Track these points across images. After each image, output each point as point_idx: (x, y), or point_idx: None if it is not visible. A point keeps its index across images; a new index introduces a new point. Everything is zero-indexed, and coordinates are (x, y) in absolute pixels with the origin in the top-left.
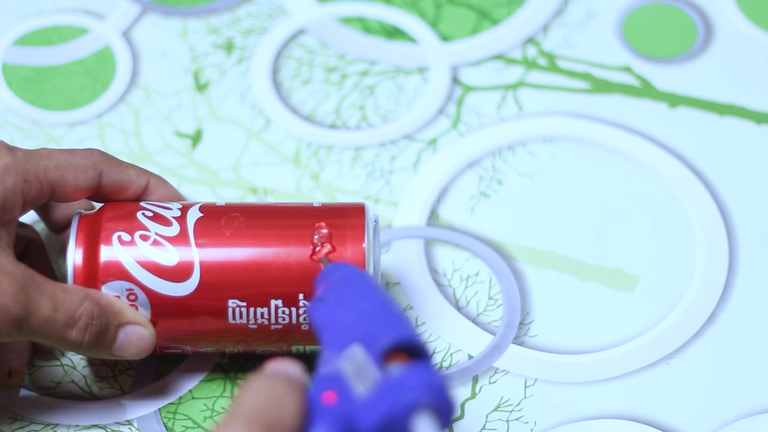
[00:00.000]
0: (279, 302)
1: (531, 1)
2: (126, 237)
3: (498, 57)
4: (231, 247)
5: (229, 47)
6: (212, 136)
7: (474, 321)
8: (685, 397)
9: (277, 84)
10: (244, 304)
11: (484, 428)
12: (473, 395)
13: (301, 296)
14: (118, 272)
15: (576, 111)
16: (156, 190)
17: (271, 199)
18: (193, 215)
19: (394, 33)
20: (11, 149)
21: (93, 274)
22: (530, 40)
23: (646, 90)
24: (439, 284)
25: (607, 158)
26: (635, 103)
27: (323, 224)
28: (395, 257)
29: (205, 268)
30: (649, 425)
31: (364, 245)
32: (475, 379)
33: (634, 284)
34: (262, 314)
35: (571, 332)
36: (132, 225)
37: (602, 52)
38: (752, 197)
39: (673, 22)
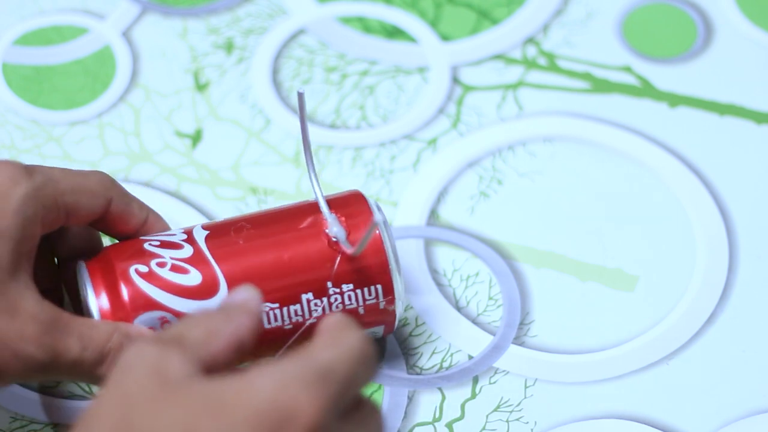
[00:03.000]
0: (310, 295)
1: (531, 0)
2: (143, 268)
3: (498, 57)
4: (249, 254)
5: (229, 47)
6: (212, 136)
7: (474, 321)
8: (685, 397)
9: (277, 84)
10: (277, 305)
11: (484, 428)
12: (473, 395)
13: (329, 284)
14: (146, 304)
15: (576, 111)
16: (154, 226)
17: (271, 199)
18: (200, 234)
19: (394, 33)
20: (29, 172)
21: (121, 313)
22: (530, 40)
23: (646, 90)
24: (439, 284)
25: (607, 158)
26: (635, 103)
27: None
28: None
29: (231, 279)
30: (649, 425)
31: (373, 223)
32: (475, 380)
33: (634, 284)
34: (295, 311)
35: (571, 332)
36: (144, 256)
37: (602, 52)
38: (752, 197)
39: (673, 22)
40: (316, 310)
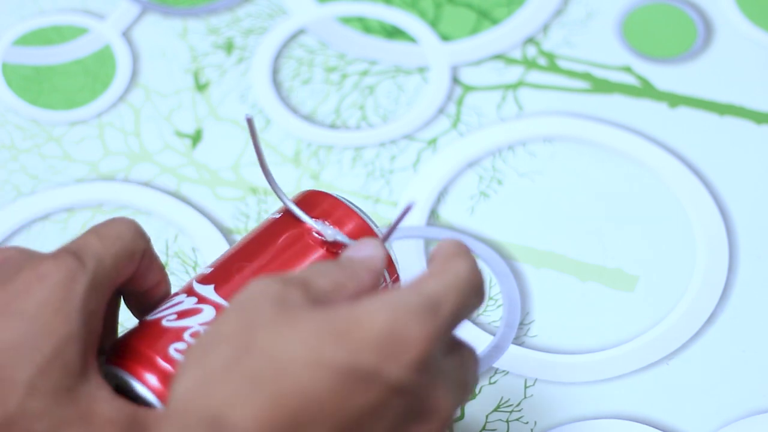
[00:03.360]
0: None
1: (531, 1)
2: (180, 345)
3: (498, 57)
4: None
5: (229, 47)
6: (212, 136)
7: (474, 321)
8: (685, 397)
9: (277, 84)
10: None
11: (484, 428)
12: (473, 395)
13: None
14: (175, 336)
15: (576, 111)
16: (167, 286)
17: (271, 199)
18: (208, 290)
19: (394, 33)
20: (80, 260)
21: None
22: (530, 40)
23: (646, 90)
24: None
25: (607, 158)
26: (635, 103)
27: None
28: (395, 257)
29: None
30: (649, 425)
31: (356, 211)
32: None
33: (634, 284)
34: None
35: (571, 332)
36: (173, 334)
37: (602, 52)
38: (752, 197)
39: (673, 22)
40: None
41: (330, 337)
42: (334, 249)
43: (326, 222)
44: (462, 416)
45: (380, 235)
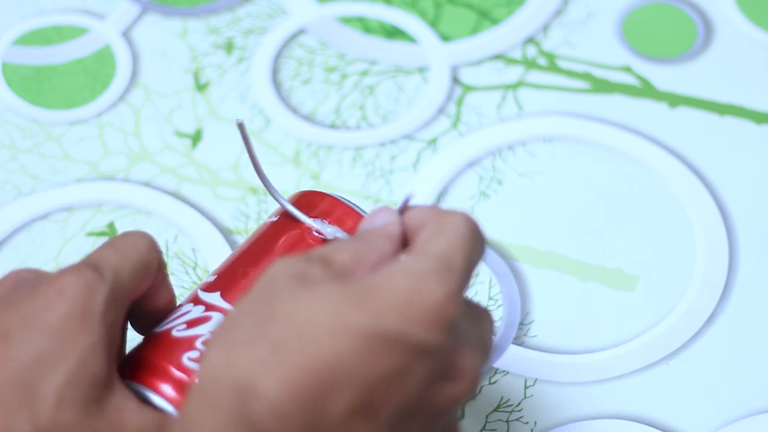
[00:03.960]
0: None
1: (531, 1)
2: (193, 354)
3: (498, 57)
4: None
5: (229, 47)
6: (212, 136)
7: None
8: (685, 397)
9: (277, 84)
10: None
11: (484, 428)
12: (473, 396)
13: None
14: (186, 345)
15: (576, 111)
16: (168, 308)
17: (271, 199)
18: (214, 297)
19: (394, 33)
20: (98, 272)
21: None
22: (530, 40)
23: (646, 90)
24: None
25: (607, 158)
26: (635, 103)
27: (319, 220)
28: None
29: None
30: (649, 425)
31: (355, 209)
32: None
33: (634, 284)
34: None
35: (571, 332)
36: (185, 343)
37: (602, 52)
38: (752, 197)
39: (673, 22)
40: None
41: (352, 304)
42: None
43: (325, 221)
44: (462, 416)
45: None
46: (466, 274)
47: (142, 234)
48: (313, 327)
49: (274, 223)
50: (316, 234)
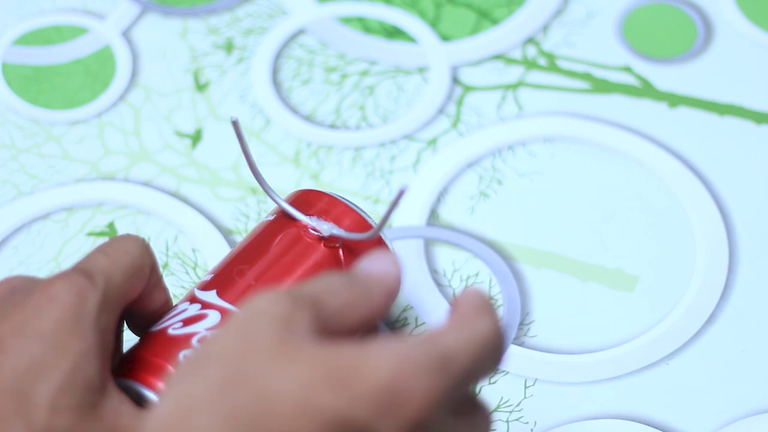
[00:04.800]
0: None
1: (531, 1)
2: (189, 352)
3: (498, 57)
4: (270, 288)
5: (229, 47)
6: (212, 136)
7: None
8: (685, 397)
9: (277, 84)
10: None
11: None
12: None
13: None
14: (182, 343)
15: (576, 111)
16: (164, 309)
17: (270, 199)
18: (210, 295)
19: (394, 33)
20: (90, 278)
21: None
22: (530, 40)
23: (646, 90)
24: (439, 284)
25: (607, 158)
26: (635, 103)
27: (310, 219)
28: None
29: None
30: (649, 425)
31: (352, 207)
32: None
33: (634, 284)
34: None
35: (571, 332)
36: (181, 341)
37: (602, 52)
38: (752, 197)
39: (673, 22)
40: None
41: (327, 382)
42: (331, 243)
43: (321, 218)
44: None
45: (375, 226)
46: (464, 380)
47: (134, 238)
48: (280, 401)
49: (271, 222)
50: (313, 231)
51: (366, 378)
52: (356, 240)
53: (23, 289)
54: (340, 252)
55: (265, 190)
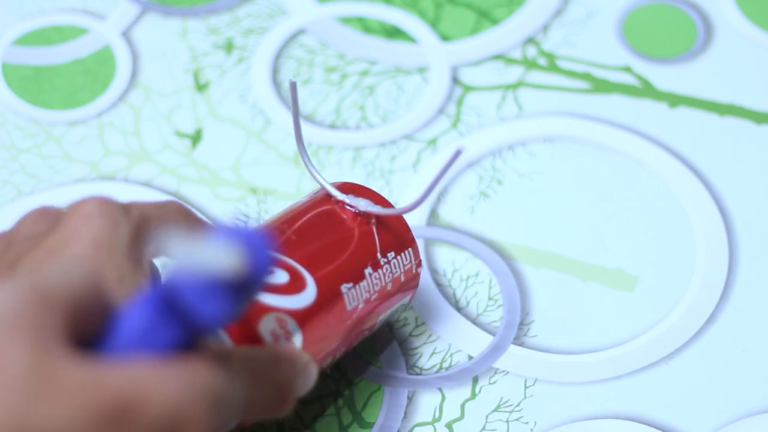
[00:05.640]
0: (370, 269)
1: (531, 1)
2: None
3: (498, 57)
4: (306, 245)
5: (229, 47)
6: (212, 136)
7: (474, 321)
8: (685, 397)
9: (277, 84)
10: (351, 284)
11: (484, 429)
12: (473, 396)
13: (379, 255)
14: (260, 309)
15: (576, 111)
16: None
17: (271, 199)
18: None
19: (394, 33)
20: (126, 210)
21: (246, 323)
22: (530, 40)
23: (646, 90)
24: (439, 284)
25: (607, 158)
26: (635, 103)
27: (340, 198)
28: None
29: (308, 265)
30: (649, 425)
31: (384, 199)
32: (475, 380)
33: (634, 284)
34: (365, 288)
35: (571, 332)
36: None
37: (602, 52)
38: (752, 197)
39: (673, 22)
40: (377, 284)
41: (102, 418)
42: (366, 220)
43: (352, 195)
44: (462, 416)
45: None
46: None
47: (177, 202)
48: None
49: (305, 201)
50: (349, 208)
51: (144, 413)
52: (392, 215)
53: (52, 213)
54: (374, 229)
55: (305, 164)
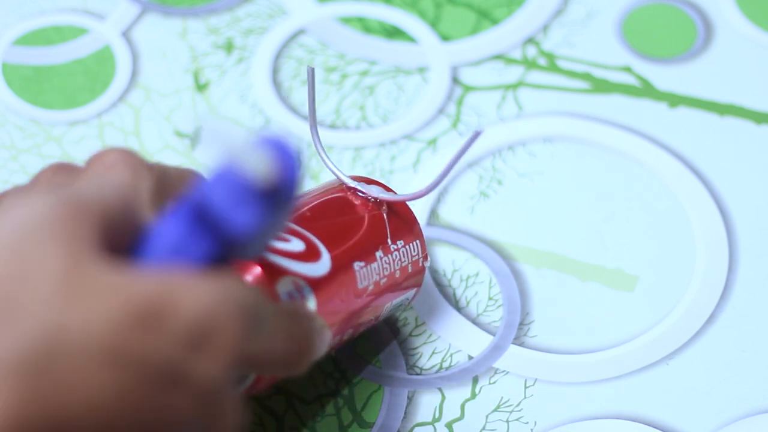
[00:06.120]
0: (381, 252)
1: (531, 1)
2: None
3: (498, 57)
4: (321, 220)
5: (229, 47)
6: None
7: (474, 321)
8: (685, 397)
9: (277, 84)
10: (363, 263)
11: (484, 429)
12: (473, 396)
13: (389, 241)
14: (279, 271)
15: (576, 111)
16: None
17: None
18: None
19: (394, 33)
20: (146, 163)
21: (264, 285)
22: (530, 40)
23: (646, 90)
24: (439, 284)
25: (607, 158)
26: (635, 103)
27: (352, 186)
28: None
29: (322, 238)
30: (649, 425)
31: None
32: (475, 380)
33: (634, 284)
34: (376, 270)
35: (571, 332)
36: None
37: (602, 52)
38: (752, 197)
39: (673, 22)
40: (387, 269)
41: (132, 319)
42: (377, 207)
43: (363, 183)
44: (462, 416)
45: (413, 211)
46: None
47: (192, 169)
48: (75, 340)
49: (319, 189)
50: (360, 194)
51: (175, 316)
52: (403, 200)
53: (70, 167)
54: (385, 216)
55: (318, 151)
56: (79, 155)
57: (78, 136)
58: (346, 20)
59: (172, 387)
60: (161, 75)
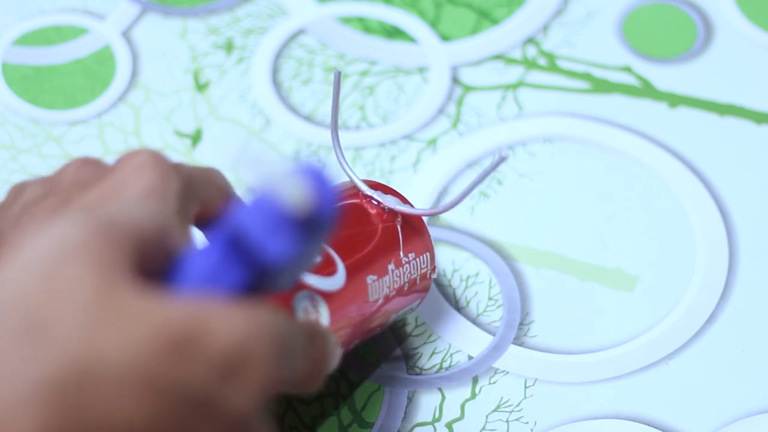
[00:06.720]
0: (392, 266)
1: (531, 1)
2: None
3: (498, 57)
4: (339, 229)
5: (229, 47)
6: (212, 136)
7: (474, 321)
8: (685, 397)
9: (277, 84)
10: (375, 277)
11: (484, 429)
12: (473, 396)
13: (401, 254)
14: (296, 284)
15: (576, 111)
16: None
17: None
18: None
19: (394, 33)
20: (174, 165)
21: (282, 299)
22: (530, 40)
23: (646, 90)
24: (439, 284)
25: (607, 158)
26: (635, 103)
27: (368, 195)
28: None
29: (338, 250)
30: (649, 425)
31: (406, 199)
32: (475, 380)
33: (634, 284)
34: (386, 284)
35: (571, 332)
36: None
37: (602, 52)
38: (752, 197)
39: (673, 22)
40: (396, 282)
41: (164, 346)
42: (392, 218)
43: (379, 192)
44: (462, 416)
45: (426, 224)
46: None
47: (217, 169)
48: (105, 365)
49: (342, 186)
50: (376, 203)
51: (209, 344)
52: (419, 215)
53: (94, 163)
54: (399, 228)
55: (337, 157)
56: (79, 155)
57: (78, 136)
58: (346, 20)
59: (205, 416)
60: (161, 75)
